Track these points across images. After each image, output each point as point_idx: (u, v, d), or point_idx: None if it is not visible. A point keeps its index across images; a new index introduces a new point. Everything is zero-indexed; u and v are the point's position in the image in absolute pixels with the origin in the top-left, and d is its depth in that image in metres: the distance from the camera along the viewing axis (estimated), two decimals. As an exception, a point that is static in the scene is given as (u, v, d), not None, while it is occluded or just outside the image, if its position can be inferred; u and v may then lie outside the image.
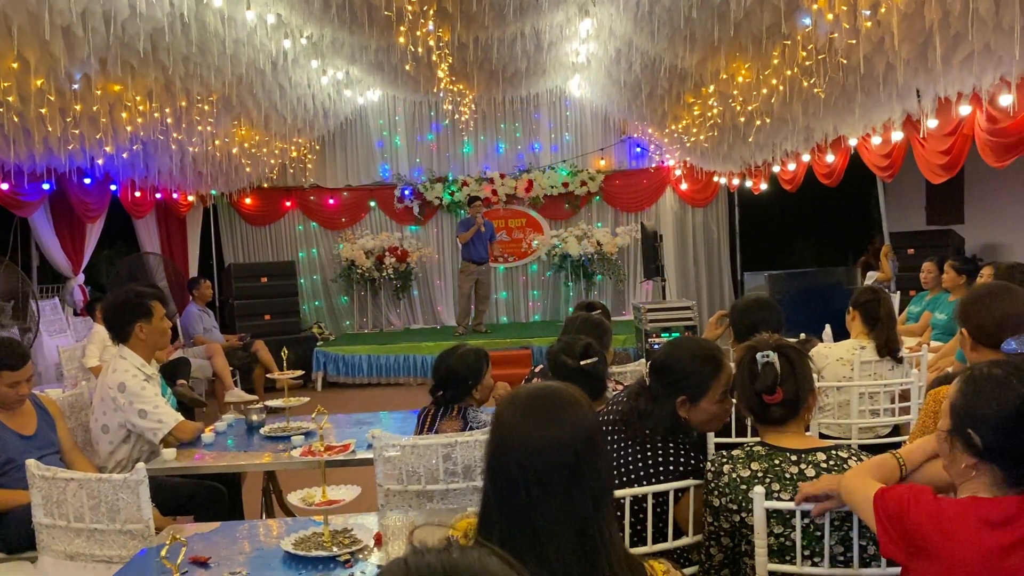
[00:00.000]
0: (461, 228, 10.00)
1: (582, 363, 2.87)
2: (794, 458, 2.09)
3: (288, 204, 11.18)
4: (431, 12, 6.33)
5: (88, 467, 3.51)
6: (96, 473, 3.15)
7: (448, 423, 3.30)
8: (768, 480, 2.06)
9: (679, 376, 2.38)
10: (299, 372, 4.38)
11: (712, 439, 3.09)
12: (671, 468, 2.30)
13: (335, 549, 2.33)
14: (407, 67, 7.72)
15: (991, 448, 1.65)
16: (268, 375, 6.27)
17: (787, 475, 2.07)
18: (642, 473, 2.31)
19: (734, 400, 2.36)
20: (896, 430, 3.94)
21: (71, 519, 2.70)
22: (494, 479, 1.47)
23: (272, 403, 4.16)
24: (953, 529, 1.64)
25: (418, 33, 6.58)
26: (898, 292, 7.79)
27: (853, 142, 6.74)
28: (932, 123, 5.34)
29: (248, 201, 10.94)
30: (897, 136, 6.02)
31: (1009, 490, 1.66)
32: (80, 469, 3.36)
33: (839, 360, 4.04)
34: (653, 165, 11.37)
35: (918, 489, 1.76)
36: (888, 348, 4.01)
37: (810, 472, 2.06)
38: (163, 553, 1.77)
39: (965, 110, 5.02)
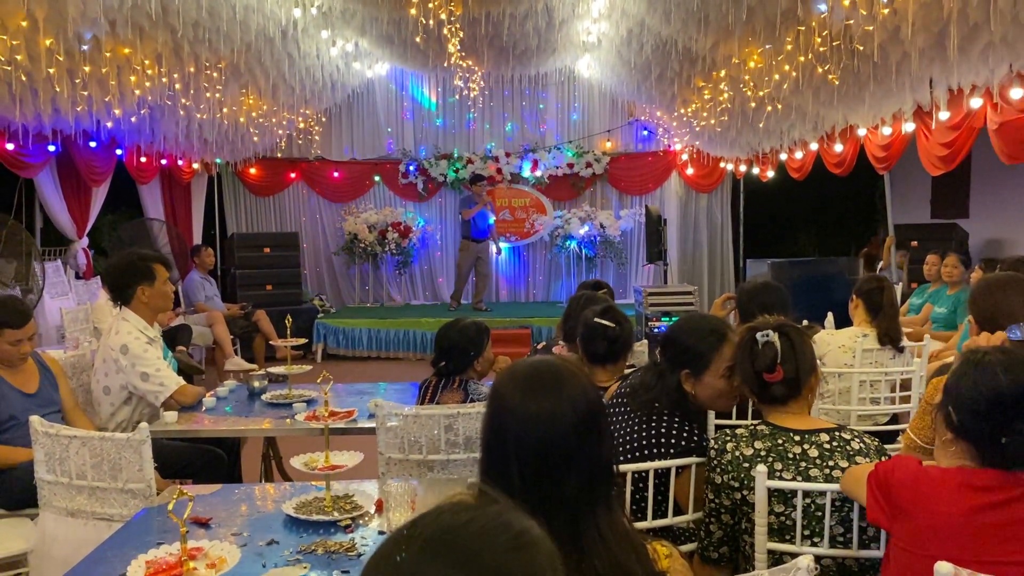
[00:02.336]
0: (464, 205, 9.97)
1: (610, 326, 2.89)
2: (797, 438, 2.10)
3: (293, 175, 11.15)
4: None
5: (89, 427, 3.51)
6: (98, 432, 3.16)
7: (449, 395, 3.31)
8: (771, 459, 2.07)
9: (682, 349, 2.41)
10: (302, 340, 4.37)
11: (712, 420, 3.10)
12: (673, 443, 2.31)
13: (336, 514, 2.34)
14: (417, 39, 7.67)
15: (964, 426, 1.74)
16: (270, 342, 6.26)
17: (790, 455, 2.08)
18: (644, 443, 2.32)
19: None
20: (895, 419, 3.96)
21: (73, 476, 2.70)
22: (489, 452, 1.46)
23: (274, 370, 4.16)
24: (935, 491, 1.73)
25: (430, 5, 6.53)
26: (899, 283, 7.78)
27: (862, 132, 6.71)
28: (944, 115, 5.30)
29: (253, 171, 10.89)
30: (908, 127, 5.97)
31: (985, 466, 1.74)
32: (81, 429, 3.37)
33: (841, 347, 4.05)
34: (660, 149, 11.32)
35: (906, 457, 1.88)
36: (890, 337, 4.02)
37: (813, 452, 2.07)
38: (170, 507, 1.78)
39: (976, 103, 4.98)
